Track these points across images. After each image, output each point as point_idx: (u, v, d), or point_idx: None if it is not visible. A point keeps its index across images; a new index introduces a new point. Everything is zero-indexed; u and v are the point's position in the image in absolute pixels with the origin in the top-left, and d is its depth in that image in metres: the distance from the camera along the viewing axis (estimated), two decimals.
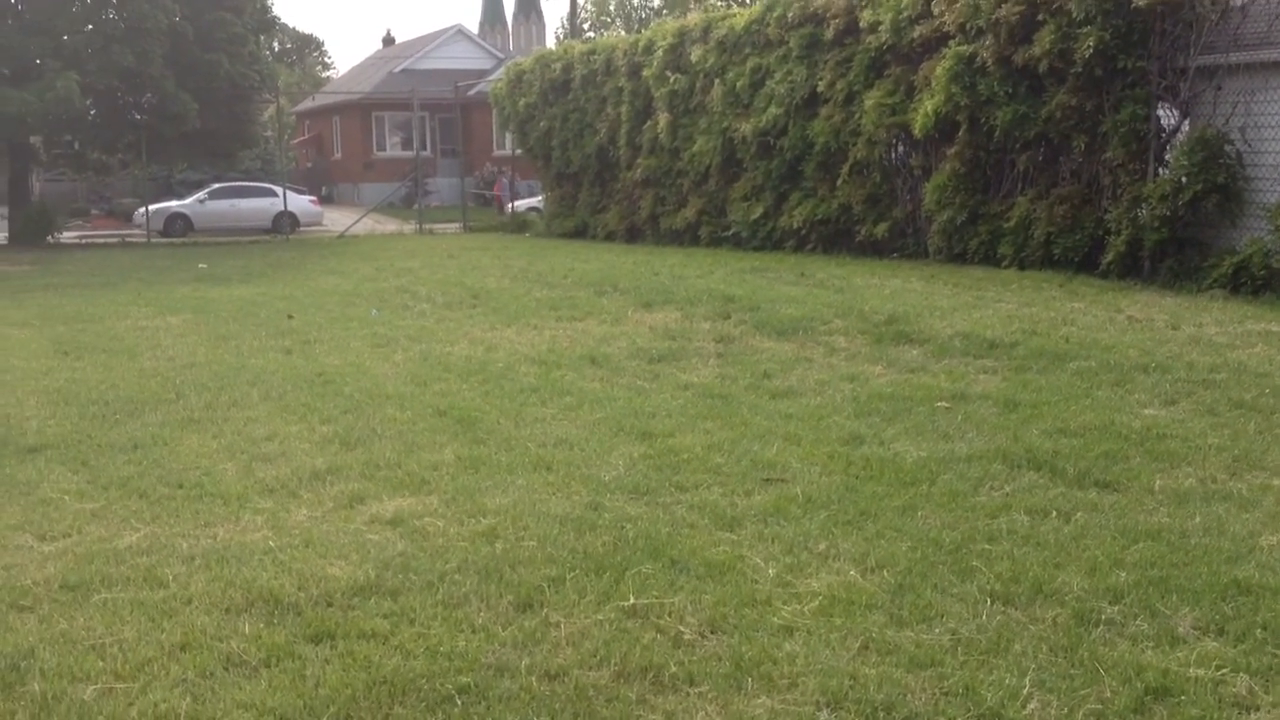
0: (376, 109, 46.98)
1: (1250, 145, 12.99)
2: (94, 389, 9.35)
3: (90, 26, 30.55)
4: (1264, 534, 5.21)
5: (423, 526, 5.69)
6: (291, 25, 61.08)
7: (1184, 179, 13.11)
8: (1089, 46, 13.61)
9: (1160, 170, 13.70)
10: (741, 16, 20.58)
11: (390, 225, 35.43)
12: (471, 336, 11.69)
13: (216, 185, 35.82)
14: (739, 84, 20.16)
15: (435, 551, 5.32)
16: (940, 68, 15.65)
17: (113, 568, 5.22)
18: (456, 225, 33.30)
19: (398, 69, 48.42)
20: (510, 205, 34.17)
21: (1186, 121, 13.65)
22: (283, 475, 6.66)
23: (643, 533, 5.48)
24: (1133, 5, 13.34)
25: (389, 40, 58.52)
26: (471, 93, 41.78)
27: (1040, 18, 14.28)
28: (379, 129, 47.85)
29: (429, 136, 46.17)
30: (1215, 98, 13.28)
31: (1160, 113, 13.82)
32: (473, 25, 65.66)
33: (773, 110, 19.26)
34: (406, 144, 45.30)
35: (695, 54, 21.29)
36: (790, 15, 18.86)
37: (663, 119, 22.42)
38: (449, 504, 6.05)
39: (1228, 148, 13.03)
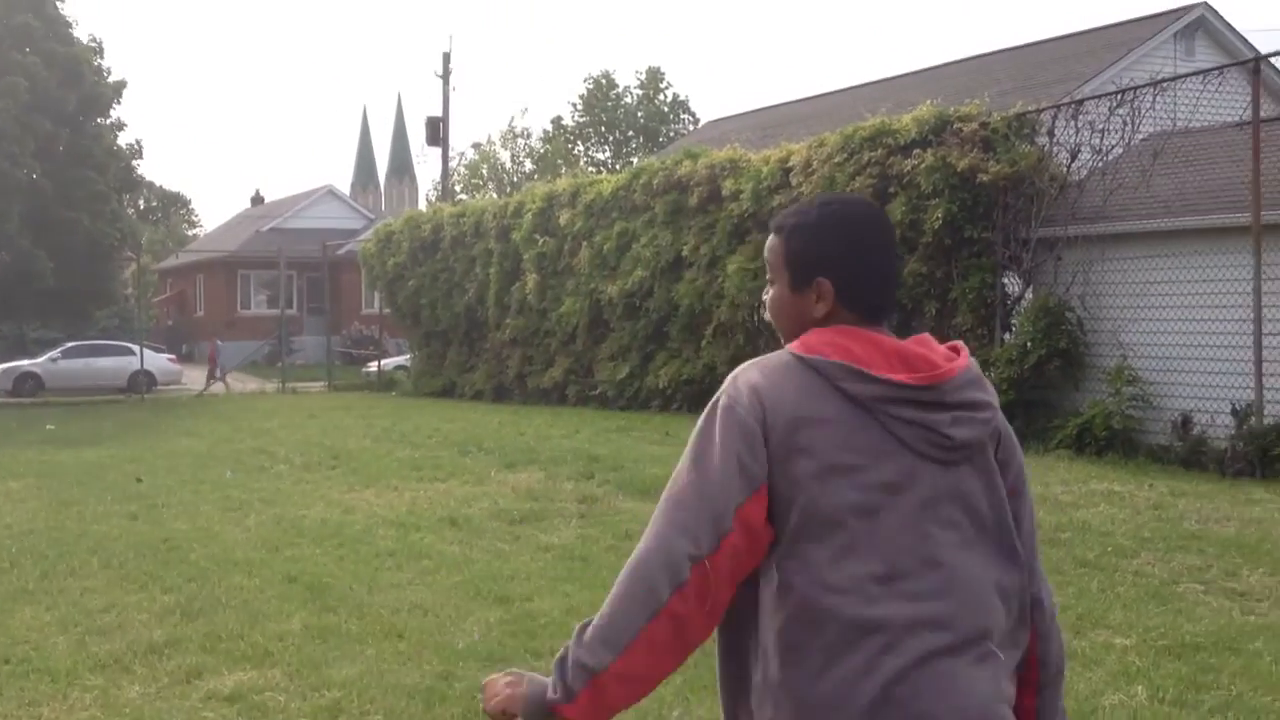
0: (243, 267, 46.53)
1: (1090, 312, 13.65)
2: None
3: None
4: (1106, 693, 5.28)
5: (262, 702, 5.43)
6: (158, 183, 60.27)
7: (1029, 344, 13.66)
8: (938, 218, 14.28)
9: (1006, 335, 14.28)
10: (609, 182, 21.13)
11: (252, 384, 34.80)
12: (329, 498, 11.42)
13: (70, 344, 34.72)
14: (606, 247, 20.57)
15: None
16: None
17: None
18: (321, 384, 32.87)
19: (265, 227, 48.22)
20: (218, 371, 33.10)
21: (1030, 289, 14.32)
22: (117, 649, 6.32)
23: None
24: (978, 180, 14.08)
25: (258, 199, 58.03)
26: (341, 252, 41.78)
27: (892, 190, 14.96)
28: (244, 287, 47.33)
29: (296, 295, 45.82)
30: (1056, 267, 13.97)
31: (1005, 280, 14.48)
32: (345, 186, 66.09)
33: (639, 273, 19.66)
34: (273, 302, 44.83)
35: (564, 217, 21.71)
36: (655, 182, 19.44)
37: (531, 280, 22.68)
38: (292, 677, 5.80)
39: (1069, 314, 13.66)
